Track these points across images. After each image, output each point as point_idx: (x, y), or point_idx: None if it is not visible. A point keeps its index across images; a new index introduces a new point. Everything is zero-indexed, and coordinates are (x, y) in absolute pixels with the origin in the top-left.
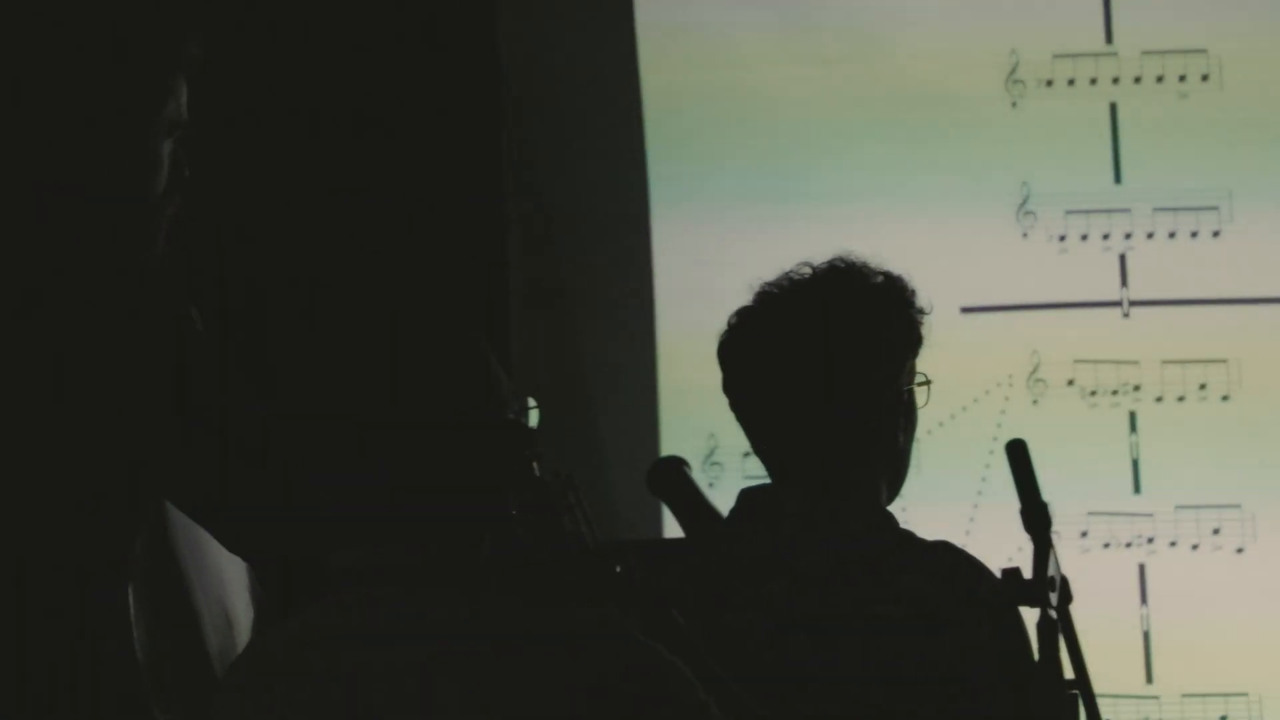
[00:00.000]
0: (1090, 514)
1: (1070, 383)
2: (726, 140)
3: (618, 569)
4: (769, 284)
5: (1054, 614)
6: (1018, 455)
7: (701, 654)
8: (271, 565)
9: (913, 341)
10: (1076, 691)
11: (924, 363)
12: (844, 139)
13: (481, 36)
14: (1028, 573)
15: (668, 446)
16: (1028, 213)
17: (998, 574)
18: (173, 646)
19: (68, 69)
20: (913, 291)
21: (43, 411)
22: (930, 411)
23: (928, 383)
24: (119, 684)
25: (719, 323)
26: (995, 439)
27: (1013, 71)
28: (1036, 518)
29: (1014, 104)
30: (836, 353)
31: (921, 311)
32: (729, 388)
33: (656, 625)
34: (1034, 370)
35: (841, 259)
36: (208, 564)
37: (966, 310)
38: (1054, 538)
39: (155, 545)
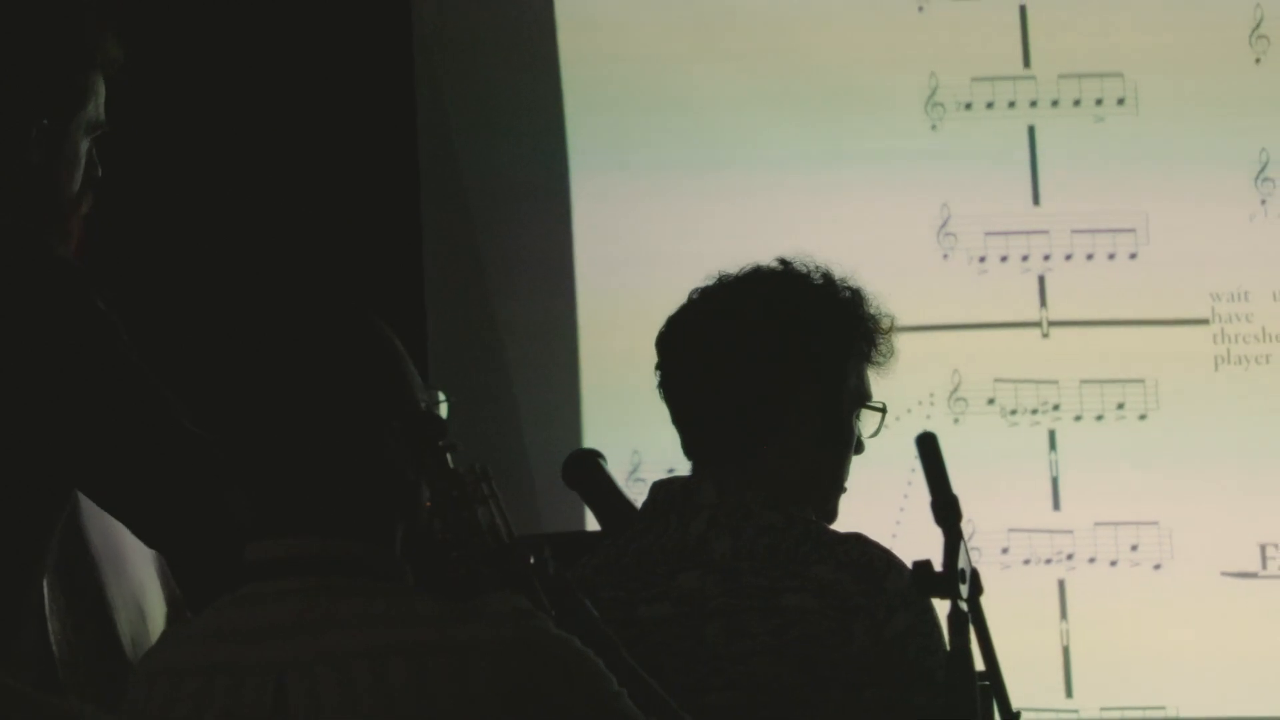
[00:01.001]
0: (1011, 530)
1: (991, 401)
2: (646, 109)
3: (532, 560)
4: (713, 277)
5: (965, 606)
6: (928, 448)
7: (615, 645)
8: (186, 558)
9: (838, 347)
10: (988, 683)
11: None
12: (763, 150)
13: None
14: (938, 565)
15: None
16: (948, 234)
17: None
18: (88, 639)
19: None
20: (853, 301)
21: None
22: None
23: (881, 409)
24: (35, 676)
25: (639, 293)
26: (917, 457)
27: (932, 94)
28: (946, 510)
29: (934, 126)
30: (751, 346)
31: (863, 321)
32: (659, 368)
33: (570, 617)
34: (955, 389)
35: (786, 259)
36: (122, 556)
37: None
38: (976, 554)
39: (69, 538)
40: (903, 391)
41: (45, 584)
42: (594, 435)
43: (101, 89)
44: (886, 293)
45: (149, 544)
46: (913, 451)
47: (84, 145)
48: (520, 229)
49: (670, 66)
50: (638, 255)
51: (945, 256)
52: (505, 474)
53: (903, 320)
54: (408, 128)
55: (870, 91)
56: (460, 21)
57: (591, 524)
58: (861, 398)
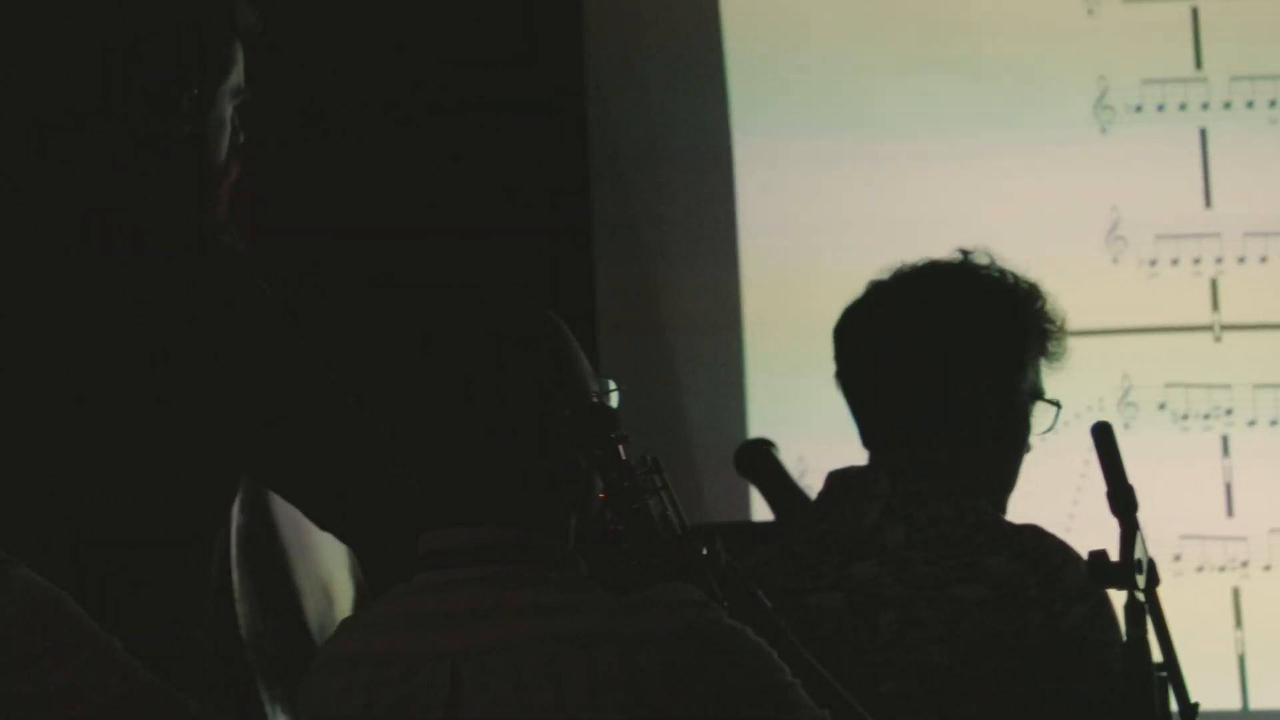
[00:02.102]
0: (1183, 537)
1: (1162, 406)
2: (809, 74)
3: (705, 551)
4: (890, 270)
5: (1142, 596)
6: (1103, 438)
7: (788, 635)
8: (358, 542)
9: (1012, 335)
10: (1165, 674)
11: None
12: (927, 126)
13: None
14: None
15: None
16: (1118, 237)
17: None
18: (275, 623)
19: (148, 38)
20: (1032, 298)
21: (139, 381)
22: None
23: (1055, 404)
24: (223, 658)
25: (802, 258)
26: (1087, 462)
27: (1102, 97)
28: (1123, 500)
29: (1103, 130)
30: (930, 338)
31: (1040, 316)
32: (837, 358)
33: (743, 607)
34: (1125, 394)
35: (965, 250)
36: (309, 543)
37: None
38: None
39: (258, 524)
40: (1072, 396)
41: (235, 567)
42: (758, 406)
43: (241, 56)
44: (1054, 295)
45: (321, 526)
46: (1083, 456)
47: (229, 112)
48: (684, 197)
49: (834, 33)
50: (801, 221)
51: (1115, 260)
52: (666, 447)
53: (1071, 324)
54: (577, 104)
55: (1038, 93)
56: None
57: (756, 510)
58: (1036, 393)
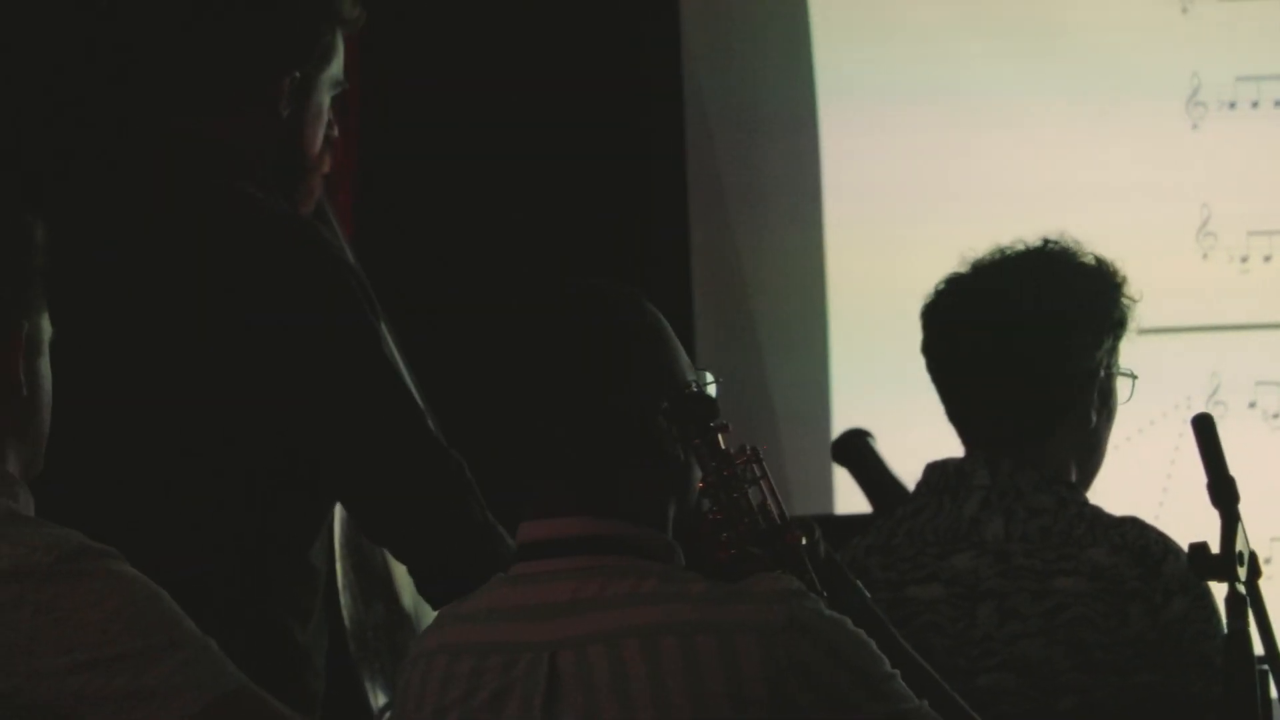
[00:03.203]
0: (1274, 539)
1: (1252, 405)
2: (895, 39)
3: (804, 541)
4: (980, 256)
5: (1243, 588)
6: (1204, 429)
7: (887, 626)
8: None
9: (1111, 321)
10: (1267, 667)
11: None
12: (1013, 100)
13: None
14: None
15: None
16: (1208, 234)
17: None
18: (377, 616)
19: (255, 15)
20: (1120, 276)
21: (259, 380)
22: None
23: (1133, 376)
24: (328, 648)
25: (886, 226)
26: (1173, 462)
27: (1194, 94)
28: (1224, 492)
29: (1194, 126)
30: (1029, 322)
31: (1127, 296)
32: (927, 349)
33: (842, 598)
34: (1214, 392)
35: (1051, 238)
36: None
37: (1144, 331)
38: None
39: None
40: (1159, 394)
41: (338, 559)
42: (840, 369)
43: (342, 47)
44: (1142, 291)
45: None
46: (1168, 456)
47: (327, 102)
48: (770, 162)
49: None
50: (885, 188)
51: (1205, 256)
52: (751, 419)
53: (1161, 320)
54: (674, 74)
55: (1130, 89)
56: None
57: (840, 503)
58: (1113, 362)
